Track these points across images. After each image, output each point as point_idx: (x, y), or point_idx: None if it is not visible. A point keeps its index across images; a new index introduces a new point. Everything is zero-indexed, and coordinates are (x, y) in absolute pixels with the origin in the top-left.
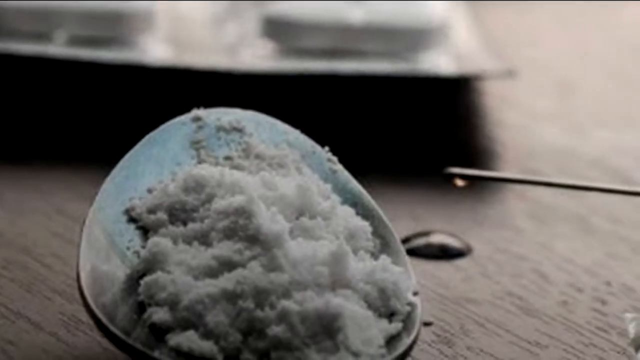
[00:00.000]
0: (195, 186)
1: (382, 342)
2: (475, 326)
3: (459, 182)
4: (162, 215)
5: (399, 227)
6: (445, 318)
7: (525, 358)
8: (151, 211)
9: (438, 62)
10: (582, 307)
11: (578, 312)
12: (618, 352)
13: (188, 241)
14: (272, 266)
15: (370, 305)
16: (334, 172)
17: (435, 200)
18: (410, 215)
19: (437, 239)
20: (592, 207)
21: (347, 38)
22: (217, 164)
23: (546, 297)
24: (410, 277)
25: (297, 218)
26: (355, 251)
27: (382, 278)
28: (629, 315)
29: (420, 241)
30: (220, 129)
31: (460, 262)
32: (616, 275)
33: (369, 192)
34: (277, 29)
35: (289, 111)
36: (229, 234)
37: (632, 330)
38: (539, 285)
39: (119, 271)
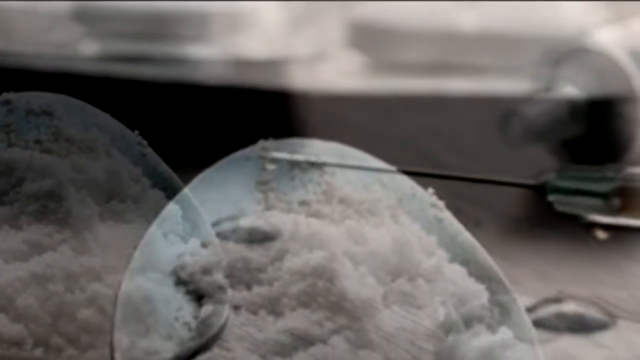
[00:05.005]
0: (5, 169)
1: (193, 325)
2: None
3: (270, 166)
4: None
5: (208, 210)
6: None
7: (336, 339)
8: None
9: (248, 46)
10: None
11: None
12: (428, 335)
13: None
14: (83, 249)
15: (180, 289)
16: (144, 155)
17: (248, 184)
18: (222, 199)
19: (246, 221)
20: None
21: (158, 23)
22: (27, 147)
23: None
24: (220, 258)
25: (106, 201)
26: (165, 235)
27: (194, 259)
28: (438, 299)
29: (228, 226)
30: (30, 112)
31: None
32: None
33: (181, 176)
34: (89, 16)
35: (100, 95)
36: (39, 217)
37: (442, 313)
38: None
39: None
